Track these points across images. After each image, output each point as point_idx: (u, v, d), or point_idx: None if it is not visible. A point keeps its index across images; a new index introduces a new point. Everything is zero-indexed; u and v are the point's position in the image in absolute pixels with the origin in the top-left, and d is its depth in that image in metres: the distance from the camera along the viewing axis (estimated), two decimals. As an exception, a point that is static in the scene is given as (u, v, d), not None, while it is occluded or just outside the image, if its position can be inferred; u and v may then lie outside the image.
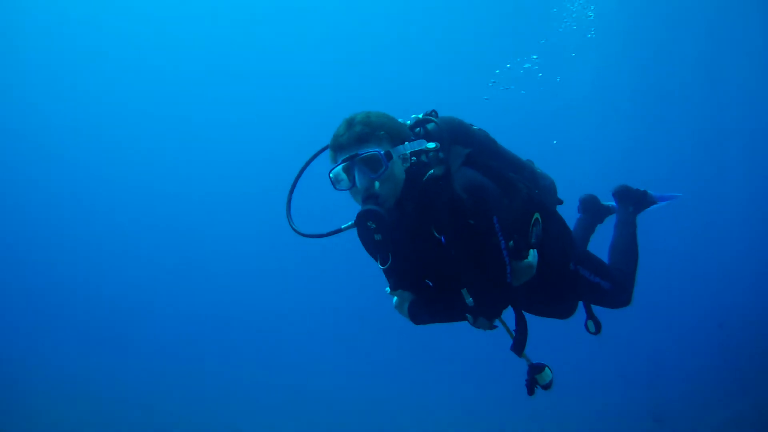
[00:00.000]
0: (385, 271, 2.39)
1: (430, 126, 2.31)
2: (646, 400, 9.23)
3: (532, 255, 2.30)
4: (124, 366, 11.30)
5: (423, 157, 2.18)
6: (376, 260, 2.36)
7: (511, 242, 2.23)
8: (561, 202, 2.80)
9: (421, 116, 2.36)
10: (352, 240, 2.30)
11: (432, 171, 2.15)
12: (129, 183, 19.37)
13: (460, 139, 2.36)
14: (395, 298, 2.43)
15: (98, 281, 17.13)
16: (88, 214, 18.82)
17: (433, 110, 2.38)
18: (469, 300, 2.15)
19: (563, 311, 2.75)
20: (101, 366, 11.20)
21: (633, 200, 3.52)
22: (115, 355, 12.04)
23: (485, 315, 2.18)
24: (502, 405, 8.92)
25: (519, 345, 2.29)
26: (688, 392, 9.31)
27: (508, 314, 2.55)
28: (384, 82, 17.06)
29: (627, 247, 3.24)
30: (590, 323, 2.81)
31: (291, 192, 2.38)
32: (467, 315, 2.20)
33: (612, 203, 3.62)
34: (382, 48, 17.78)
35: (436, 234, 2.17)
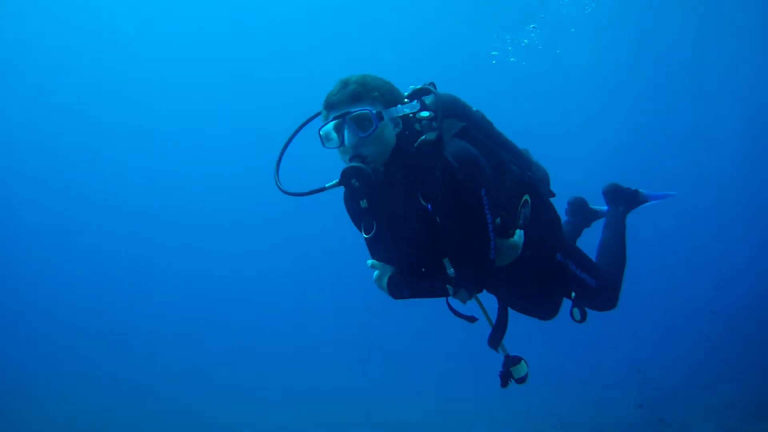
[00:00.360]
0: (369, 241, 2.37)
1: (427, 98, 2.31)
2: (634, 388, 9.17)
3: (518, 235, 2.29)
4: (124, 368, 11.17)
5: (417, 126, 2.21)
6: (360, 230, 2.36)
7: (498, 219, 2.22)
8: (553, 195, 2.75)
9: (419, 87, 2.32)
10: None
11: (424, 137, 2.14)
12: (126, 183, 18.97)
13: (456, 114, 2.34)
14: (376, 271, 2.41)
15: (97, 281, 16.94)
16: (81, 213, 18.44)
17: (432, 82, 2.36)
18: (451, 270, 2.14)
19: (547, 307, 2.67)
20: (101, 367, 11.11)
21: (623, 200, 3.48)
22: (114, 356, 11.90)
23: (466, 287, 2.17)
24: (479, 396, 8.84)
25: (495, 337, 2.31)
26: (679, 379, 9.29)
27: (491, 305, 2.54)
28: (384, 64, 16.71)
29: (615, 248, 3.20)
30: (576, 311, 2.69)
31: (282, 151, 2.36)
32: (447, 286, 2.17)
33: (601, 207, 3.56)
34: (382, 23, 17.40)
35: (423, 201, 2.15)
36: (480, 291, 2.26)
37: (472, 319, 2.39)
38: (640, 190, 3.55)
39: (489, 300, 2.55)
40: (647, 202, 3.55)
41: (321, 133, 2.17)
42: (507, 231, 2.25)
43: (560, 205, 3.12)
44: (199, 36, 17.96)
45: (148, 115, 18.84)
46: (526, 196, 2.37)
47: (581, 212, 3.50)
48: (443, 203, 2.11)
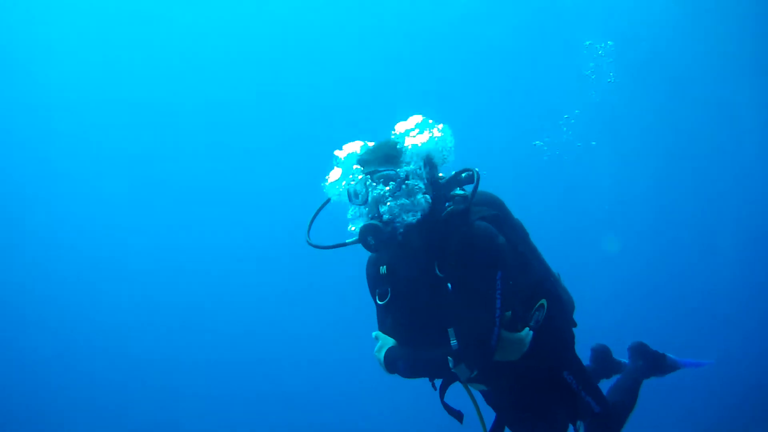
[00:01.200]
0: (381, 308, 2.37)
1: (464, 175, 2.32)
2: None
3: (526, 332, 2.22)
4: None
5: (447, 202, 2.24)
6: (374, 297, 2.37)
7: (510, 312, 2.20)
8: (575, 325, 2.68)
9: (462, 169, 2.36)
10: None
11: (452, 208, 2.19)
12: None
13: (493, 207, 2.36)
14: (378, 342, 2.38)
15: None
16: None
17: (475, 170, 2.33)
18: (454, 342, 2.11)
19: (548, 429, 2.57)
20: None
21: (648, 360, 3.37)
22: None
23: (467, 361, 2.11)
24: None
25: None
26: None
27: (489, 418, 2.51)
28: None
29: (626, 391, 3.10)
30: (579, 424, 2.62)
31: (318, 210, 2.43)
32: (448, 358, 2.12)
33: (625, 360, 3.46)
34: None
35: (438, 272, 2.17)
36: (479, 368, 2.16)
37: (459, 416, 2.33)
38: (669, 354, 3.44)
39: (488, 414, 2.48)
40: (677, 369, 3.43)
41: (349, 189, 2.21)
42: (516, 325, 2.22)
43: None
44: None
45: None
46: (543, 301, 2.34)
47: (603, 361, 3.40)
48: (457, 277, 2.12)
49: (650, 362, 3.35)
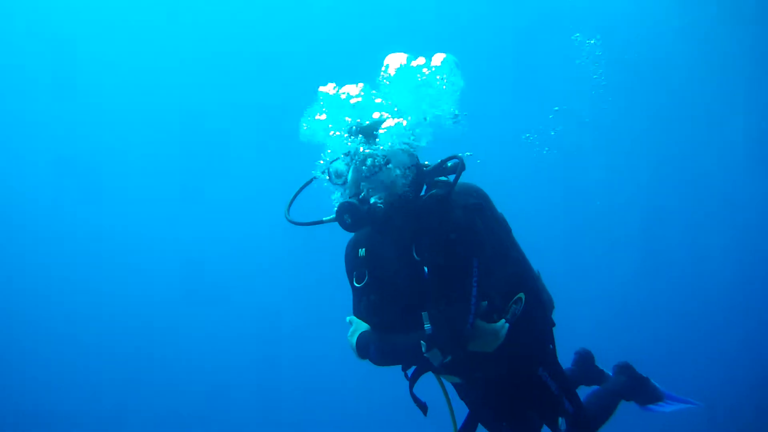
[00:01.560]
0: (358, 291, 2.34)
1: (450, 163, 2.31)
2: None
3: (502, 324, 2.18)
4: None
5: (429, 185, 2.26)
6: (351, 279, 2.35)
7: (486, 302, 2.18)
8: (553, 324, 2.66)
9: (449, 164, 2.32)
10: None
11: (434, 191, 2.20)
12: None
13: (477, 197, 2.35)
14: (352, 326, 2.36)
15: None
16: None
17: (460, 156, 2.31)
18: (428, 326, 2.09)
19: (521, 428, 2.54)
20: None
21: (630, 378, 3.30)
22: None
23: (440, 346, 2.08)
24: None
25: None
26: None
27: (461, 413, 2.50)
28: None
29: (603, 404, 3.05)
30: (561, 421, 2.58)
31: (301, 188, 2.44)
32: (421, 342, 2.09)
33: (607, 371, 3.42)
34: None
35: (416, 255, 2.18)
36: (455, 355, 2.13)
37: (424, 408, 2.30)
38: (652, 380, 3.36)
39: (460, 410, 2.48)
40: (659, 401, 3.33)
41: (330, 169, 2.23)
42: (492, 316, 2.19)
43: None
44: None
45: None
46: (521, 294, 2.32)
47: (585, 365, 3.38)
48: (434, 261, 2.12)
49: (633, 381, 3.30)
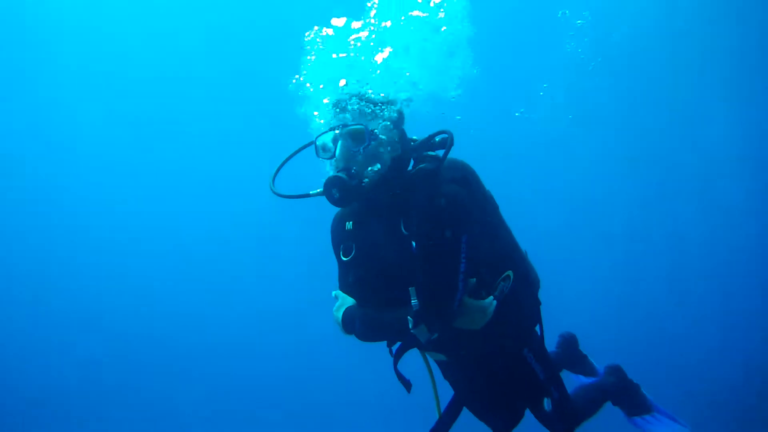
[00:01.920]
0: (344, 265, 2.32)
1: (438, 138, 2.30)
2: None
3: (490, 302, 2.16)
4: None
5: (418, 159, 2.23)
6: (338, 253, 2.33)
7: (474, 279, 2.15)
8: (539, 303, 2.64)
9: (438, 139, 2.32)
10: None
11: (422, 165, 2.18)
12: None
13: (464, 173, 2.31)
14: (338, 301, 2.34)
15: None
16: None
17: (449, 131, 2.31)
18: (414, 301, 2.06)
19: (502, 413, 2.53)
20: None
21: (620, 379, 3.26)
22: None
23: (427, 321, 2.06)
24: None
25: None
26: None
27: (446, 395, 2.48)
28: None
29: (590, 398, 3.01)
30: (546, 400, 2.56)
31: (286, 160, 2.41)
32: (408, 318, 2.07)
33: (593, 363, 3.41)
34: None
35: (404, 230, 2.14)
36: (441, 332, 2.10)
37: (408, 385, 2.28)
38: (643, 389, 3.30)
39: (445, 391, 2.47)
40: (648, 414, 3.25)
41: (317, 143, 2.20)
42: (479, 291, 2.17)
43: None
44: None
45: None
46: (509, 272, 2.30)
47: (569, 348, 3.37)
48: (421, 235, 2.08)
49: (622, 382, 3.25)
